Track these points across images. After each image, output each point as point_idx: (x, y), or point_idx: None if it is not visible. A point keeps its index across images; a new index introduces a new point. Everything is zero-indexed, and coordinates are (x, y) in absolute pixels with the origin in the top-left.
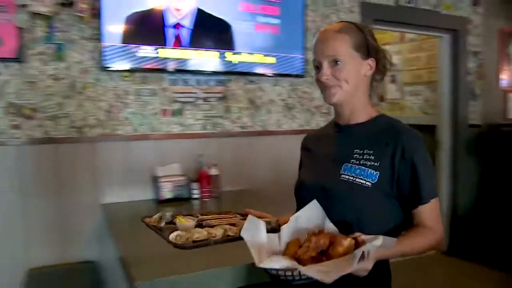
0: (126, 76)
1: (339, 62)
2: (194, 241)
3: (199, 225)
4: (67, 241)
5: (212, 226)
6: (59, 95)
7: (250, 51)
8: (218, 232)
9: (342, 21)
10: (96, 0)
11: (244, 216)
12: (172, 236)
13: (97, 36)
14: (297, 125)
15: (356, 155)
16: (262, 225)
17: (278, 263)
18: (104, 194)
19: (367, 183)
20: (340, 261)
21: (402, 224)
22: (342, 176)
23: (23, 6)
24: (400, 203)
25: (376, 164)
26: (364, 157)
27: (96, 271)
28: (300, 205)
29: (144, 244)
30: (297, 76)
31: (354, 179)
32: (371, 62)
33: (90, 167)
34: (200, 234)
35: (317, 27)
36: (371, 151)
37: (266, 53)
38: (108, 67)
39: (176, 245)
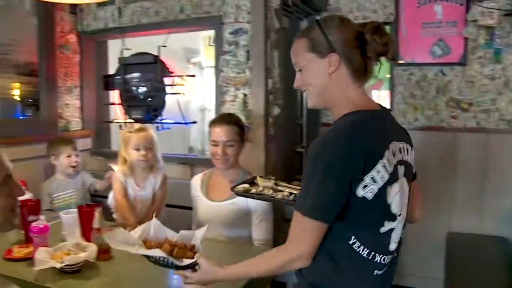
0: None
1: (301, 70)
2: (250, 192)
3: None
4: (483, 215)
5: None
6: (493, 92)
7: None
8: (278, 195)
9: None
10: None
11: None
12: (239, 187)
13: None
14: None
15: None
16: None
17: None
18: None
19: None
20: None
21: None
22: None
23: (473, 21)
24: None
25: None
26: None
27: (506, 246)
28: None
29: None
30: None
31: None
32: (331, 58)
33: None
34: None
35: None
36: None
37: None
38: None
39: (237, 193)
